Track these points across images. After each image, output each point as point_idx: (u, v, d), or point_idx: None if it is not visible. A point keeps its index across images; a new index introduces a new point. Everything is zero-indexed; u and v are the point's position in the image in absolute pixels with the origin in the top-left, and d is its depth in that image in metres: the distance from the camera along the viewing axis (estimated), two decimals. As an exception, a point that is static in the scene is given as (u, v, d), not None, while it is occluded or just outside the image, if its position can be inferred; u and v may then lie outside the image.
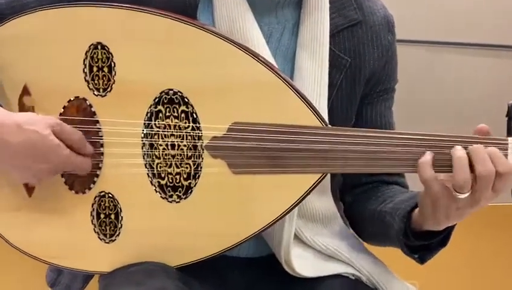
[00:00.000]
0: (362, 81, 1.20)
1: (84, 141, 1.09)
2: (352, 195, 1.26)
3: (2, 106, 1.13)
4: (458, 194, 0.98)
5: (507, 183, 0.99)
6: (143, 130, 1.09)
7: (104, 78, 1.10)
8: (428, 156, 1.00)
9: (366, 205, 1.21)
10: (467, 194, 0.98)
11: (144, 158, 1.09)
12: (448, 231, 1.09)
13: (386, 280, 1.16)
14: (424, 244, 1.11)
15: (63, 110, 1.12)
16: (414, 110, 2.03)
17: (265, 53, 1.10)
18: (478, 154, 0.98)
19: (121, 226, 1.11)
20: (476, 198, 0.99)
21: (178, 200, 1.08)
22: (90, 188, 1.12)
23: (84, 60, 1.10)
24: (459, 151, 0.99)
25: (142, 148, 1.09)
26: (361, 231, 1.25)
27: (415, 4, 2.08)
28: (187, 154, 1.07)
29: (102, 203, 1.12)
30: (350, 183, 1.26)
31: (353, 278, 1.16)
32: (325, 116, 1.12)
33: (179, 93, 1.07)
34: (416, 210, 1.08)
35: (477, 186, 0.98)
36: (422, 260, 1.13)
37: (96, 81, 1.11)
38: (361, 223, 1.24)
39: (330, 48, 1.15)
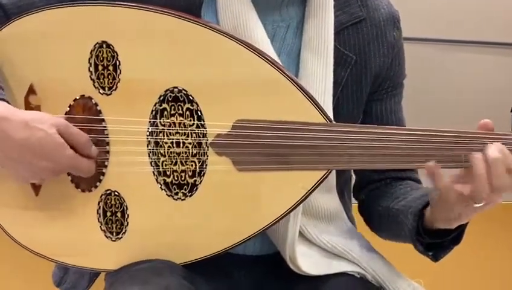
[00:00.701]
0: (368, 79, 1.19)
1: (89, 143, 1.10)
2: (366, 192, 1.26)
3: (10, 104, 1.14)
4: (475, 204, 0.99)
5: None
6: (148, 128, 1.09)
7: (110, 76, 1.10)
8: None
9: (379, 202, 1.21)
10: (483, 203, 0.99)
11: (149, 156, 1.09)
12: (462, 229, 1.09)
13: (391, 278, 1.16)
14: (437, 242, 1.10)
15: (68, 109, 1.13)
16: (421, 108, 2.02)
17: (270, 51, 1.11)
18: (497, 170, 0.97)
19: (127, 224, 1.12)
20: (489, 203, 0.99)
21: (183, 197, 1.09)
22: (96, 186, 1.13)
23: (89, 59, 1.11)
24: (481, 169, 0.98)
25: (148, 146, 1.09)
26: (375, 228, 1.25)
27: (421, 1, 2.08)
28: (192, 152, 1.07)
29: (108, 201, 1.12)
30: (363, 180, 1.26)
31: (358, 276, 1.16)
32: (330, 113, 1.12)
33: (183, 91, 1.07)
34: (428, 208, 1.08)
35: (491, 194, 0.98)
36: (436, 258, 1.12)
37: (101, 80, 1.11)
38: (375, 220, 1.24)
39: (335, 46, 1.14)
